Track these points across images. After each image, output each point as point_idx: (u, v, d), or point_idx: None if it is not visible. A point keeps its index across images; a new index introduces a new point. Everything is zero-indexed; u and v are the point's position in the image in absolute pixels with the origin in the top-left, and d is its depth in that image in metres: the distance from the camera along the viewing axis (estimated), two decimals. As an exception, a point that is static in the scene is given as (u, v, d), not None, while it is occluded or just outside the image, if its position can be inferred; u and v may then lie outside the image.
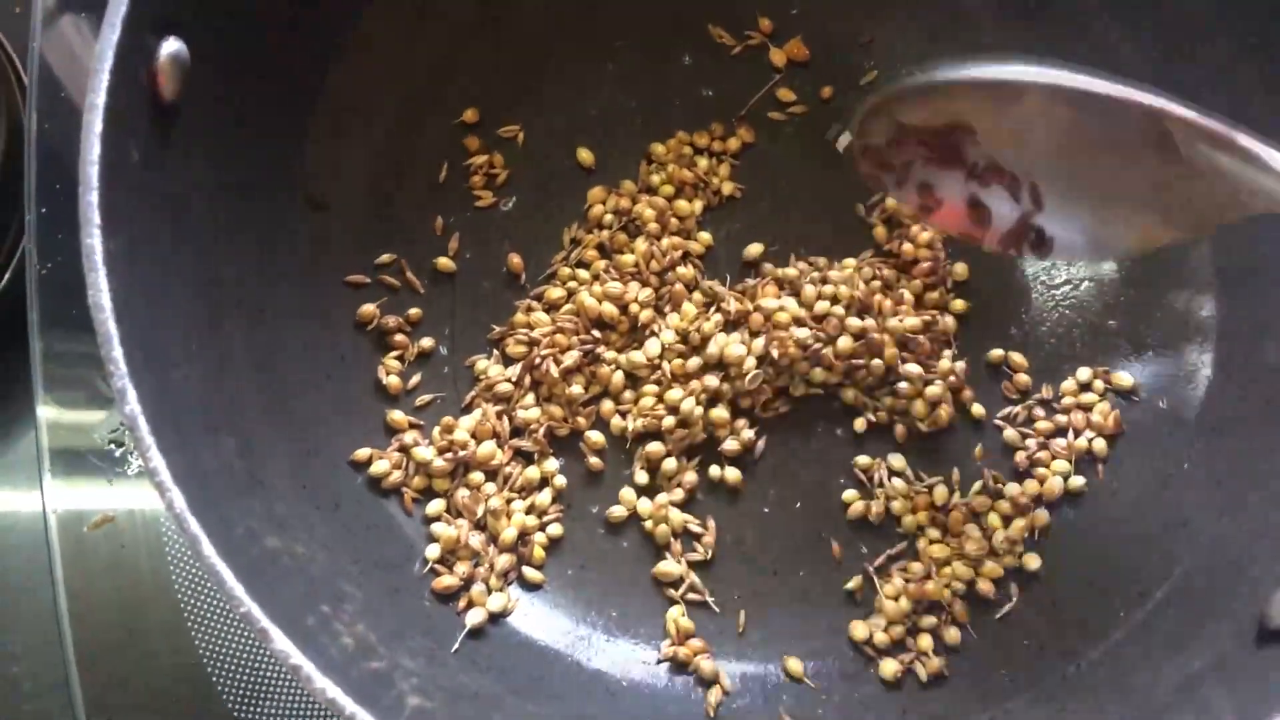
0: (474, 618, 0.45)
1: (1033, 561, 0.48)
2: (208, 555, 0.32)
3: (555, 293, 0.50)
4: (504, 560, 0.47)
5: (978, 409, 0.50)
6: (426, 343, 0.50)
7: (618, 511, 0.48)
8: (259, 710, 0.50)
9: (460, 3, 0.50)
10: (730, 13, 0.53)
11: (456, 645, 0.44)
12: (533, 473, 0.48)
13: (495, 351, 0.50)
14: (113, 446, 0.52)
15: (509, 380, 0.49)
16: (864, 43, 0.53)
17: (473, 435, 0.48)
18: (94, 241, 0.34)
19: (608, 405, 0.50)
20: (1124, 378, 0.50)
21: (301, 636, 0.33)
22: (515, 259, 0.51)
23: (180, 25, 0.38)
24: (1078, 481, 0.49)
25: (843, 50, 0.53)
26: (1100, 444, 0.49)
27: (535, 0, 0.51)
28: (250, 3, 0.41)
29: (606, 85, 0.53)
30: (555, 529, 0.48)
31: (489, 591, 0.46)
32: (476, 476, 0.48)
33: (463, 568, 0.46)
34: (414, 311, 0.50)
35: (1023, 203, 0.42)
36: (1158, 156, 0.37)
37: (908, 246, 0.51)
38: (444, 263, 0.50)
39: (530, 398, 0.49)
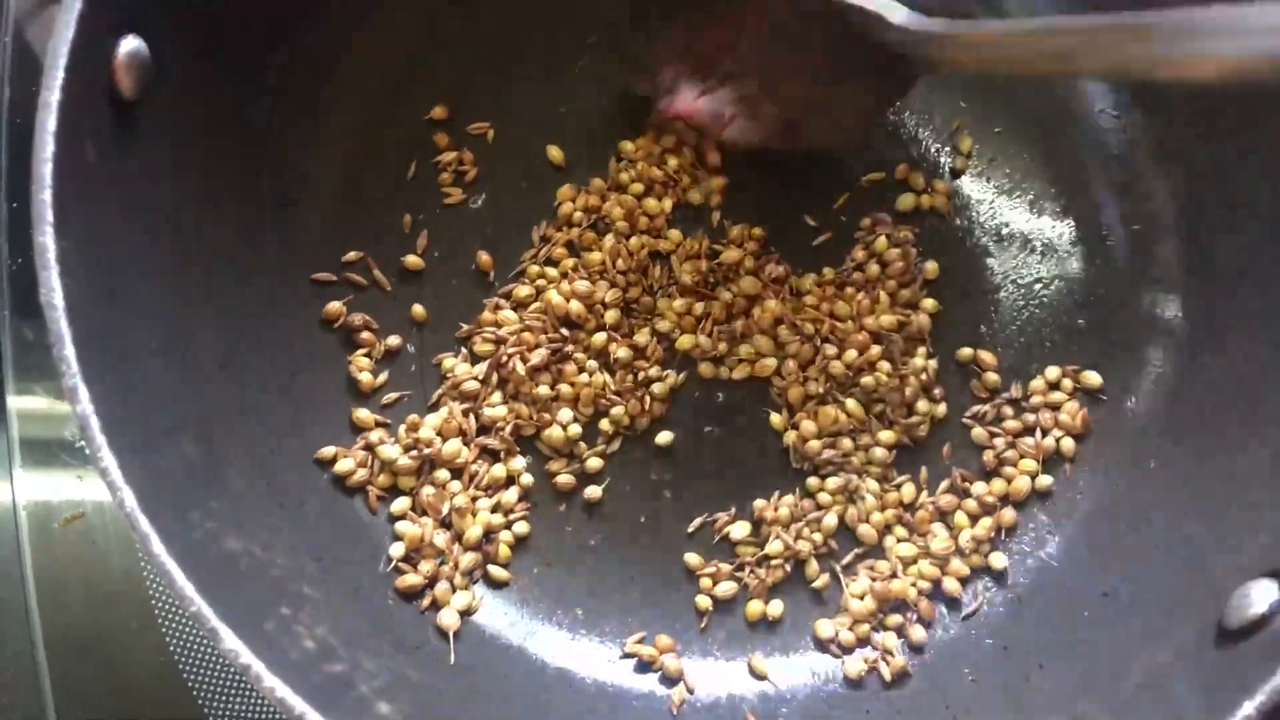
0: (447, 619, 0.45)
1: (999, 561, 0.48)
2: (158, 554, 0.32)
3: (523, 290, 0.50)
4: (469, 559, 0.47)
5: (942, 409, 0.50)
6: (393, 341, 0.49)
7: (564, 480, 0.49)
8: (230, 707, 0.50)
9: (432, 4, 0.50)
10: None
11: (426, 645, 0.44)
12: (499, 471, 0.48)
13: (463, 349, 0.50)
14: (83, 443, 0.52)
15: (475, 378, 0.49)
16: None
17: (438, 433, 0.48)
18: (47, 240, 0.34)
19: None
20: (1092, 377, 0.50)
21: (257, 637, 0.33)
22: (484, 256, 0.51)
23: (139, 24, 0.38)
24: (1045, 481, 0.49)
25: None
26: (1068, 443, 0.49)
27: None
28: (210, 1, 0.41)
29: (577, 82, 0.52)
30: (521, 527, 0.48)
31: (453, 590, 0.46)
32: (442, 475, 0.48)
33: (427, 566, 0.46)
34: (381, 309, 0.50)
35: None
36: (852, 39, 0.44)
37: (880, 243, 0.51)
38: (412, 260, 0.50)
39: (497, 395, 0.49)
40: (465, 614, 0.46)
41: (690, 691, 0.46)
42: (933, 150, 0.53)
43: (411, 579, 0.45)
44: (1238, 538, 0.42)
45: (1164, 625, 0.42)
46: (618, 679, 0.46)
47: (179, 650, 0.51)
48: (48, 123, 0.34)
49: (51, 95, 0.34)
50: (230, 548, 0.38)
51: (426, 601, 0.45)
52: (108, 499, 0.51)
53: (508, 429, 0.49)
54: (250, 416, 0.44)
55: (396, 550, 0.46)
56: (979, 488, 0.49)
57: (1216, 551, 0.42)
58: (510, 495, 0.48)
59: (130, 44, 0.38)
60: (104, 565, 0.52)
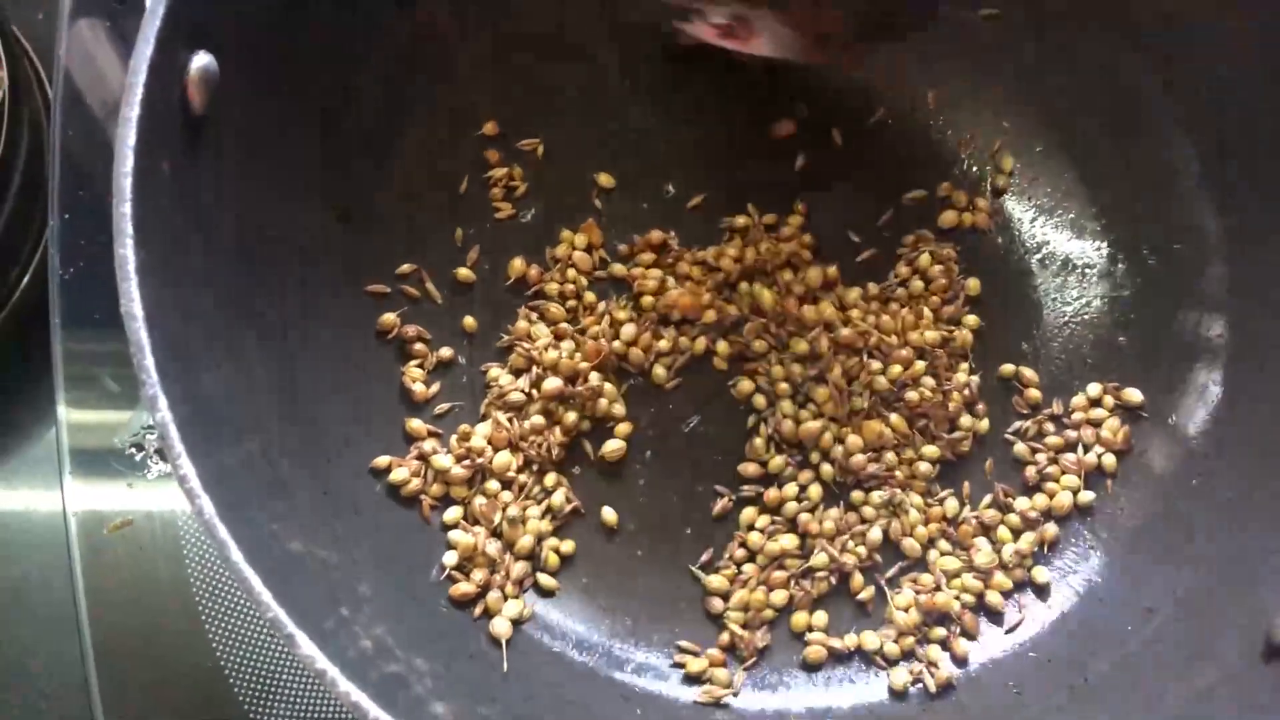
0: (500, 628, 0.45)
1: (1041, 575, 0.48)
2: (236, 561, 0.33)
3: (554, 309, 0.51)
4: (520, 568, 0.47)
5: (985, 424, 0.51)
6: (446, 352, 0.50)
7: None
8: (275, 713, 0.50)
9: (488, 18, 0.51)
10: (748, 29, 0.54)
11: (479, 652, 0.45)
12: (549, 479, 0.49)
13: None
14: (133, 451, 0.53)
15: (520, 390, 0.49)
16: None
17: (489, 443, 0.49)
18: (127, 252, 0.34)
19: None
20: (1134, 394, 0.50)
21: (322, 640, 0.34)
22: (533, 271, 0.51)
23: (211, 40, 0.38)
24: (1087, 496, 0.49)
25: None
26: (1109, 459, 0.50)
27: (559, 18, 0.52)
28: (279, 19, 0.42)
29: (624, 102, 0.53)
30: (569, 545, 0.49)
31: (505, 599, 0.47)
32: (493, 485, 0.48)
33: (479, 574, 0.47)
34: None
35: None
36: None
37: (924, 259, 0.52)
38: (463, 273, 0.51)
39: (537, 406, 0.50)
40: (517, 622, 0.46)
41: (735, 694, 0.46)
42: (975, 169, 0.54)
43: (465, 587, 0.46)
44: (1280, 556, 0.42)
45: (1209, 642, 0.42)
46: (667, 689, 0.47)
47: (225, 656, 0.51)
48: (127, 137, 0.35)
49: (131, 110, 0.35)
50: (293, 550, 0.39)
51: (479, 610, 0.46)
52: (156, 507, 0.52)
53: (543, 445, 0.49)
54: (308, 425, 0.44)
55: (450, 559, 0.46)
56: (1021, 503, 0.49)
57: (1261, 568, 0.43)
58: (558, 499, 0.49)
59: (202, 60, 0.38)
60: (152, 572, 0.52)
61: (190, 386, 0.37)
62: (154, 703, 0.51)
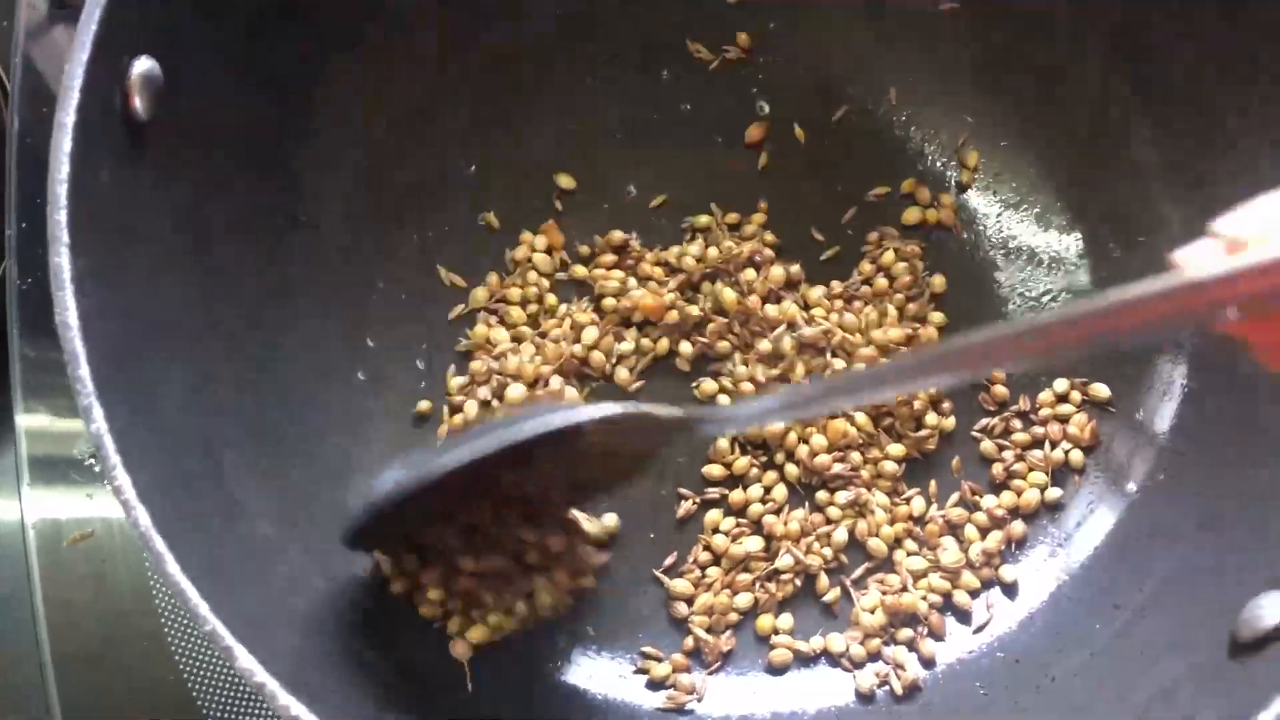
0: (459, 650, 0.44)
1: (1009, 574, 0.48)
2: (172, 573, 0.32)
3: (514, 313, 0.51)
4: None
5: (951, 422, 0.50)
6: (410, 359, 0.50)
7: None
8: (239, 724, 0.50)
9: (445, 20, 0.50)
10: (709, 28, 0.53)
11: (439, 665, 0.44)
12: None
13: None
14: (92, 461, 0.52)
15: (476, 399, 0.49)
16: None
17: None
18: (62, 260, 0.34)
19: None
20: (1101, 389, 0.50)
21: (269, 654, 0.33)
22: (493, 276, 0.51)
23: (153, 45, 0.38)
24: (1054, 494, 0.49)
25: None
26: (1077, 456, 0.49)
27: (517, 16, 0.51)
28: (225, 23, 0.41)
29: (586, 100, 0.53)
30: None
31: (470, 622, 0.46)
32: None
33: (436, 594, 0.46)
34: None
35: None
36: None
37: (888, 257, 0.51)
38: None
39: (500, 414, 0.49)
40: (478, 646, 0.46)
41: (699, 699, 0.46)
42: (939, 164, 0.53)
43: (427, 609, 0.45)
44: (1249, 549, 0.42)
45: (1175, 638, 0.42)
46: (630, 695, 0.46)
47: (188, 668, 0.51)
48: (63, 144, 0.34)
49: (66, 117, 0.35)
50: (243, 564, 0.38)
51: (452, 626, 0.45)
52: (116, 517, 0.52)
53: None
54: (261, 437, 0.44)
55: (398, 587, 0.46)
56: (988, 501, 0.49)
57: (1228, 563, 0.42)
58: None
59: (144, 65, 0.38)
60: (113, 583, 0.52)
61: (137, 397, 0.36)
62: (115, 715, 0.51)
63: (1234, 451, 0.45)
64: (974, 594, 0.48)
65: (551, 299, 0.51)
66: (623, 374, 0.50)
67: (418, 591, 0.44)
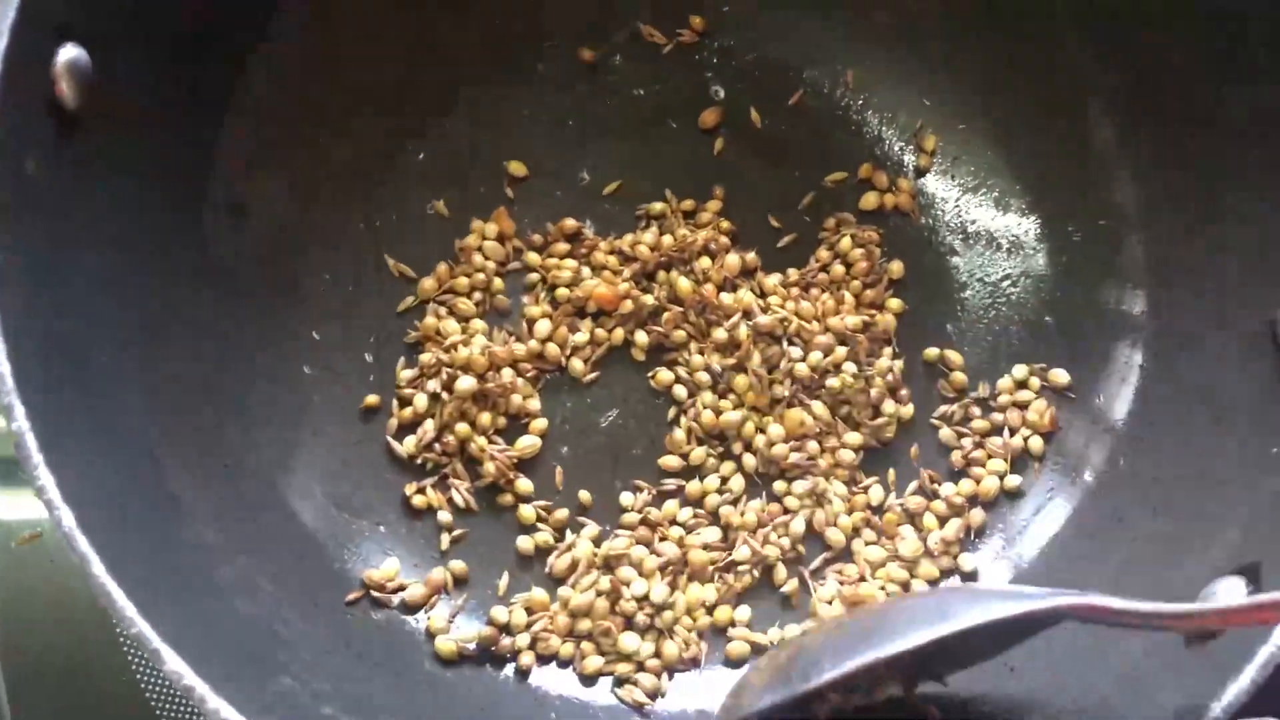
0: (444, 648, 0.45)
1: (968, 563, 0.48)
2: (97, 575, 0.32)
3: (463, 304, 0.50)
4: (436, 573, 0.46)
5: (909, 410, 0.50)
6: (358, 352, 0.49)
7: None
8: (192, 727, 0.49)
9: (384, 3, 0.49)
10: (662, 11, 0.52)
11: (388, 660, 0.43)
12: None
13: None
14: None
15: (425, 392, 0.48)
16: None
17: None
18: (-17, 254, 0.33)
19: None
20: (1060, 375, 0.49)
21: (201, 656, 0.32)
22: (441, 266, 0.50)
23: (76, 31, 0.37)
24: (1014, 480, 0.48)
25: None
26: (1036, 442, 0.49)
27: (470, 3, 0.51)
28: (153, 8, 0.40)
29: (537, 85, 0.52)
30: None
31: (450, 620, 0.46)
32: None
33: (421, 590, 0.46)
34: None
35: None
36: None
37: (845, 243, 0.51)
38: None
39: (450, 407, 0.48)
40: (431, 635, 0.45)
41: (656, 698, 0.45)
42: (897, 148, 0.53)
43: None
44: (1207, 534, 0.41)
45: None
46: (582, 693, 0.45)
47: (141, 671, 0.50)
48: (-19, 135, 0.34)
49: (-15, 105, 0.34)
50: (181, 564, 0.38)
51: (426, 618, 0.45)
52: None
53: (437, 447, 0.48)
54: (200, 431, 0.43)
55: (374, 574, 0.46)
56: (947, 489, 0.49)
57: (1186, 549, 0.42)
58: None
59: (70, 52, 0.37)
60: (64, 585, 0.51)
61: (60, 392, 0.36)
62: (68, 715, 0.50)
63: (1192, 436, 0.45)
64: (933, 583, 0.47)
65: (499, 283, 0.50)
66: (577, 365, 0.50)
67: None
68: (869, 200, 0.52)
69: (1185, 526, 0.43)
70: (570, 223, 0.51)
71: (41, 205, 0.36)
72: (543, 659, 0.46)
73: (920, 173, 0.52)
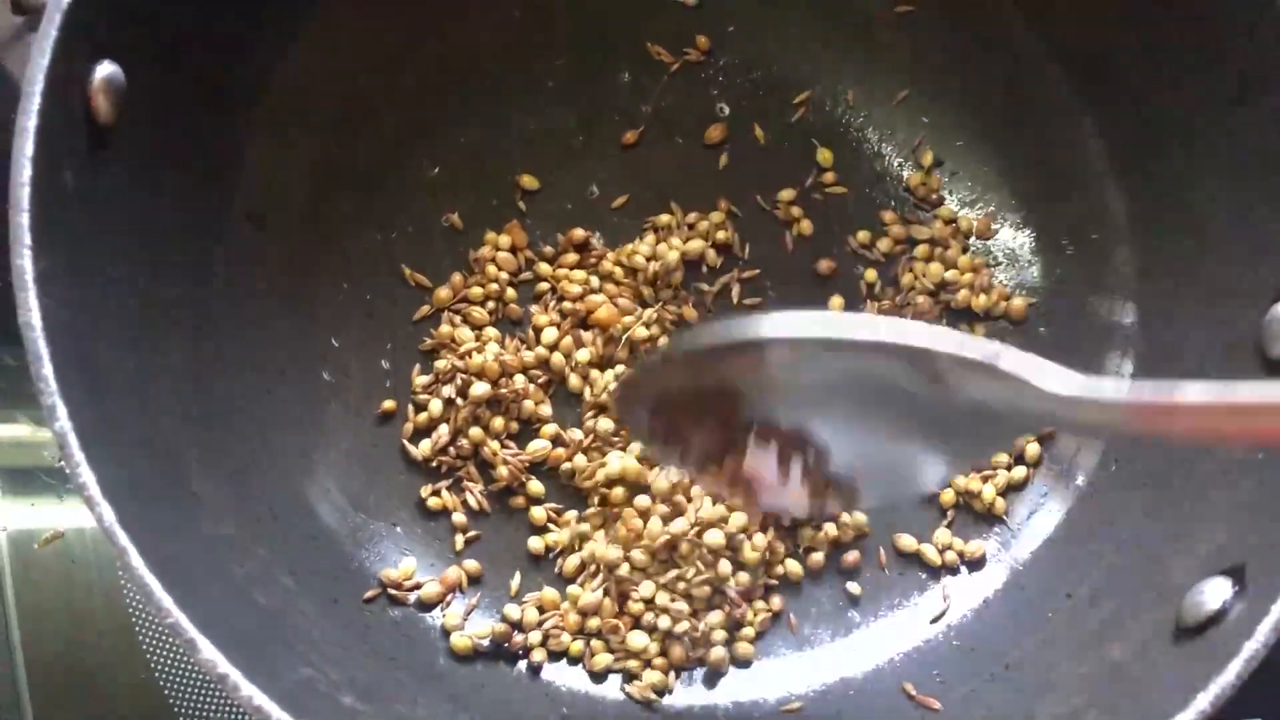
0: (459, 643, 0.46)
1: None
2: (136, 567, 0.33)
3: (477, 313, 0.51)
4: (451, 572, 0.48)
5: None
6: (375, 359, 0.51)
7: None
8: (210, 723, 0.50)
9: (399, 21, 0.51)
10: (668, 30, 0.54)
11: (401, 655, 0.45)
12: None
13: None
14: (63, 464, 0.53)
15: (440, 398, 0.50)
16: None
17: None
18: (24, 262, 0.34)
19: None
20: (1054, 383, 0.50)
21: (232, 646, 0.34)
22: (456, 276, 0.52)
23: (114, 50, 0.38)
24: (1020, 472, 0.50)
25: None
26: (1032, 448, 0.50)
27: (475, 16, 0.52)
28: (185, 27, 0.42)
29: (547, 101, 0.54)
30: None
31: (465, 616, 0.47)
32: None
33: (437, 587, 0.47)
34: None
35: (809, 459, 0.38)
36: (934, 394, 0.33)
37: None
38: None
39: (465, 411, 0.50)
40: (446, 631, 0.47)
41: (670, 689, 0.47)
42: (895, 164, 0.54)
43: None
44: (1195, 536, 0.42)
45: (1124, 624, 0.43)
46: (592, 688, 0.47)
47: (160, 668, 0.51)
48: (25, 148, 0.35)
49: (29, 121, 0.35)
50: (206, 558, 0.39)
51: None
52: (86, 522, 0.52)
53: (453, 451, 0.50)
54: (223, 432, 0.44)
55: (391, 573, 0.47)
56: (945, 495, 0.50)
57: (1175, 550, 0.43)
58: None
59: (106, 69, 0.38)
60: (84, 586, 0.52)
61: (99, 395, 0.37)
62: (87, 713, 0.51)
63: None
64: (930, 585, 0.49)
65: (511, 293, 0.52)
66: (575, 380, 0.51)
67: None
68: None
69: (1174, 528, 0.44)
70: (579, 232, 0.52)
71: (78, 214, 0.38)
72: (554, 655, 0.47)
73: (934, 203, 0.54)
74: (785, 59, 0.54)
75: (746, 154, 0.54)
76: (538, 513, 0.49)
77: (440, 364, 0.50)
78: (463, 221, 0.53)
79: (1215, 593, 0.39)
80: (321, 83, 0.49)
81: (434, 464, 0.50)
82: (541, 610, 0.47)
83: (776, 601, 0.49)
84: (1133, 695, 0.39)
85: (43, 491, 0.53)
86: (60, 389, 0.34)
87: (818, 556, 0.49)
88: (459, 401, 0.49)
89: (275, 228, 0.48)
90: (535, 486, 0.49)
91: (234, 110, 0.46)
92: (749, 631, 0.48)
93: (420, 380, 0.50)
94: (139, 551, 0.33)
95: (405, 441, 0.50)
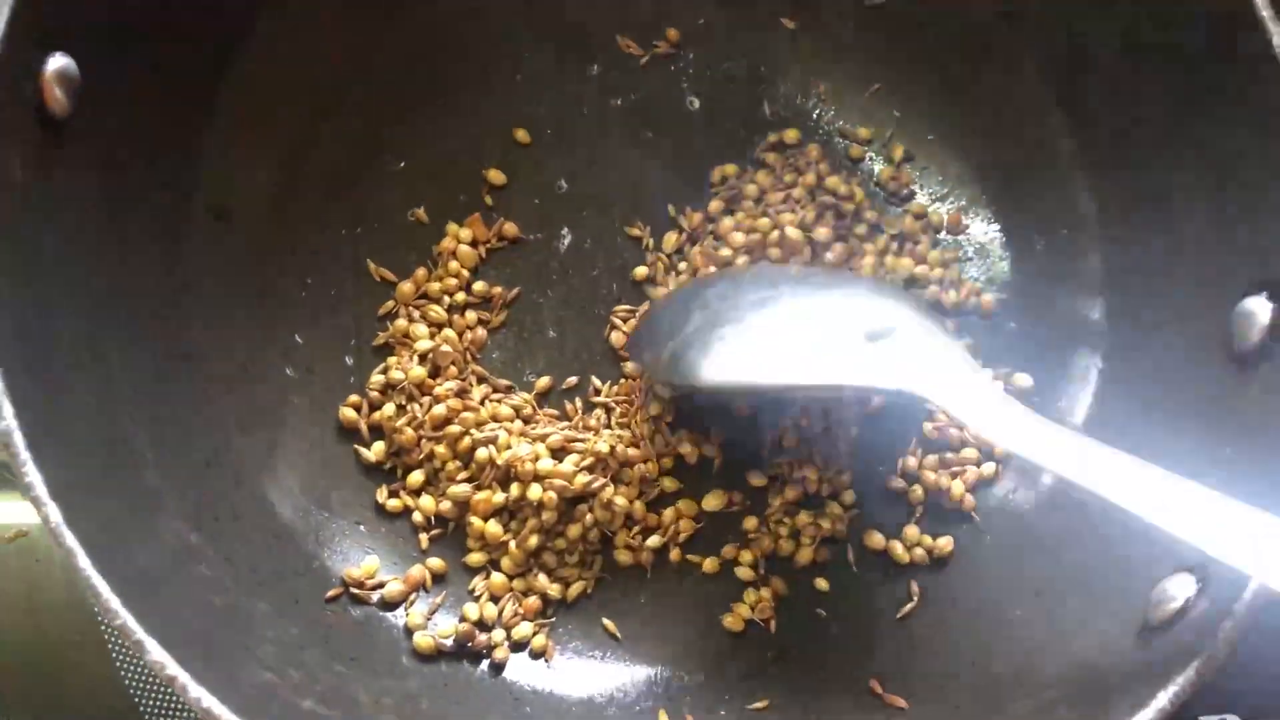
0: (422, 643, 0.46)
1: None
2: (83, 568, 0.32)
3: (434, 311, 0.51)
4: (415, 571, 0.47)
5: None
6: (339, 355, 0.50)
7: None
8: (174, 721, 0.50)
9: (364, 12, 0.50)
10: (638, 23, 0.54)
11: (361, 656, 0.44)
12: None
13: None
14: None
15: (394, 401, 0.49)
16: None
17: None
18: (-30, 257, 0.34)
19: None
20: (1023, 379, 0.50)
21: (182, 648, 0.33)
22: (419, 270, 0.51)
23: (65, 41, 0.38)
24: (989, 468, 0.50)
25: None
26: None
27: (443, 7, 0.52)
28: (138, 18, 0.41)
29: (515, 95, 0.53)
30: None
31: (428, 616, 0.47)
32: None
33: (400, 586, 0.47)
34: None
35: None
36: None
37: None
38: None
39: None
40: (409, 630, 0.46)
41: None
42: (867, 157, 0.54)
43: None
44: (1155, 533, 0.42)
45: (1090, 621, 0.43)
46: (556, 686, 0.47)
47: (124, 665, 0.51)
48: (-31, 142, 0.35)
49: (-29, 112, 0.35)
50: (160, 559, 0.38)
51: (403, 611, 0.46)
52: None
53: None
54: (183, 430, 0.44)
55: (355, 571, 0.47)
56: (914, 491, 0.50)
57: (1142, 546, 0.43)
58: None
59: (58, 62, 0.38)
60: (49, 583, 0.52)
61: (52, 393, 0.36)
62: (52, 714, 0.51)
63: (1145, 439, 0.45)
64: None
65: (470, 292, 0.51)
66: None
67: None
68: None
69: (1140, 523, 0.44)
70: (510, 227, 0.52)
71: (27, 209, 0.37)
72: (516, 647, 0.47)
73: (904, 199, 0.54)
74: (756, 53, 0.54)
75: (717, 147, 0.54)
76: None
77: (391, 360, 0.50)
78: (429, 217, 0.52)
79: (1179, 589, 0.39)
80: (283, 75, 0.49)
81: (387, 466, 0.49)
82: (495, 600, 0.47)
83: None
84: (1101, 691, 0.39)
85: (4, 488, 0.53)
86: (7, 386, 0.33)
87: (790, 553, 0.49)
88: (414, 409, 0.49)
89: (239, 221, 0.48)
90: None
91: (192, 102, 0.46)
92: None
93: (376, 379, 0.50)
94: (87, 552, 0.33)
95: (356, 446, 0.49)
